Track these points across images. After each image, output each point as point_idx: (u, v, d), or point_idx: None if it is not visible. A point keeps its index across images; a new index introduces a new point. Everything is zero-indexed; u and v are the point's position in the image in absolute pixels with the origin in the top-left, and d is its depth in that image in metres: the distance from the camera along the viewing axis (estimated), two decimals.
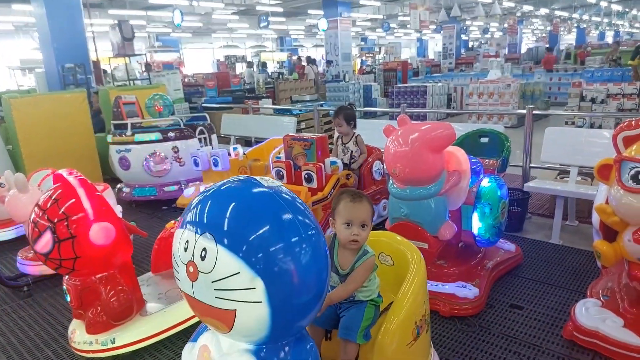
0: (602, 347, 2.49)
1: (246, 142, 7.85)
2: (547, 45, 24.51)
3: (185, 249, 1.34)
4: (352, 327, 1.91)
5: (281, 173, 4.11)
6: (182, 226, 1.39)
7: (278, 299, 1.28)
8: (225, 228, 1.29)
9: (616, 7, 29.02)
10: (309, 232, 1.35)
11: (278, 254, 1.28)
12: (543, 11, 27.65)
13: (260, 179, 1.42)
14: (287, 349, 1.43)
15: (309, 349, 1.49)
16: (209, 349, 1.47)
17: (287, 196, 1.40)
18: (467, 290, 2.98)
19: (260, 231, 1.28)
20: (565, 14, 29.09)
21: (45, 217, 2.37)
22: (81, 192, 2.44)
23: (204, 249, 1.29)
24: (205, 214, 1.34)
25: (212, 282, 1.28)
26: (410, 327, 1.99)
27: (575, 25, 32.57)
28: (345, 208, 1.92)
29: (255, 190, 1.37)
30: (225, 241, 1.27)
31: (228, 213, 1.31)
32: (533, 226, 4.53)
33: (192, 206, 1.39)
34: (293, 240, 1.31)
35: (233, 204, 1.32)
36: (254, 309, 1.28)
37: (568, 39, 35.67)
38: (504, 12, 25.27)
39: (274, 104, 11.28)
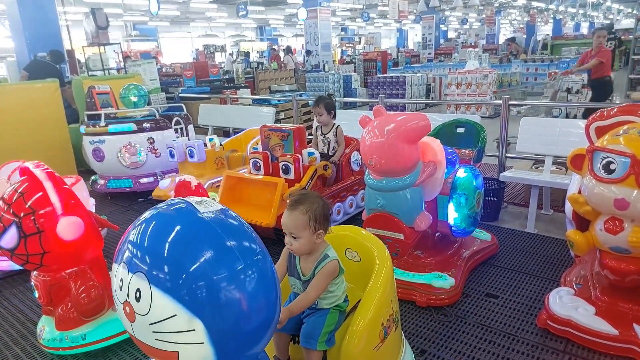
0: (575, 335, 2.52)
1: (224, 132, 7.76)
2: (513, 36, 24.65)
3: (121, 288, 1.25)
4: (313, 336, 1.87)
5: (258, 164, 4.07)
6: (117, 261, 1.30)
7: (221, 336, 1.22)
8: (158, 267, 1.20)
9: None
10: (255, 258, 1.28)
11: (217, 291, 1.20)
12: (520, 2, 27.88)
13: (199, 204, 1.33)
14: None
15: None
16: None
17: (228, 221, 1.31)
18: (443, 280, 2.99)
19: (196, 268, 1.19)
20: (542, 4, 29.39)
21: (11, 212, 2.30)
22: (48, 186, 2.37)
23: (138, 290, 1.20)
24: (138, 251, 1.24)
25: (150, 324, 1.20)
26: (376, 329, 1.94)
27: (552, 16, 32.95)
28: (283, 215, 1.86)
29: (190, 220, 1.27)
30: (159, 282, 1.18)
31: (160, 250, 1.21)
32: (509, 215, 4.57)
33: (126, 239, 1.30)
34: (233, 271, 1.22)
35: (166, 238, 1.23)
36: (196, 350, 1.21)
37: (545, 30, 36.08)
38: (482, 2, 25.41)
39: (253, 94, 11.17)
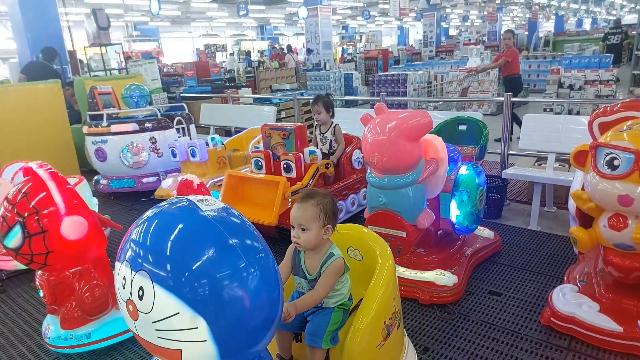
0: (579, 332, 2.52)
1: (226, 132, 7.76)
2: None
3: (124, 286, 1.26)
4: (318, 333, 1.87)
5: (260, 163, 4.07)
6: (120, 259, 1.30)
7: (224, 334, 1.22)
8: (161, 265, 1.20)
9: None
10: (257, 256, 1.28)
11: (220, 288, 1.20)
12: None
13: (201, 202, 1.33)
14: None
15: None
16: None
17: (230, 220, 1.31)
18: (446, 278, 2.99)
19: (198, 266, 1.20)
20: (543, 1, 29.31)
21: (15, 212, 2.31)
22: (51, 186, 2.37)
23: (141, 288, 1.21)
24: (140, 249, 1.25)
25: (153, 322, 1.21)
26: (379, 327, 1.94)
27: (554, 12, 32.87)
28: (292, 208, 1.87)
29: (193, 218, 1.27)
30: (161, 280, 1.19)
31: (163, 248, 1.22)
32: (511, 213, 4.57)
33: (129, 238, 1.30)
34: (236, 269, 1.23)
35: (168, 236, 1.23)
36: (199, 347, 1.22)
37: (547, 26, 36.00)
38: None
39: (254, 93, 11.16)
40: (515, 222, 4.33)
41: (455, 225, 3.19)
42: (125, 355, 2.69)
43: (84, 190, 4.01)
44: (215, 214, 1.30)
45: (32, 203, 2.32)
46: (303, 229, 1.83)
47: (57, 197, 2.36)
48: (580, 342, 2.53)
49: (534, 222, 4.15)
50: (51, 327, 2.63)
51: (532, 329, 2.70)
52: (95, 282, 2.54)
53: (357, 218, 4.35)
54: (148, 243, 1.25)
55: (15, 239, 2.29)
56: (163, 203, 1.38)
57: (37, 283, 2.56)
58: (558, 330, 2.62)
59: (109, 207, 5.38)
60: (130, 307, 1.24)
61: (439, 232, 3.35)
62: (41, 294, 2.58)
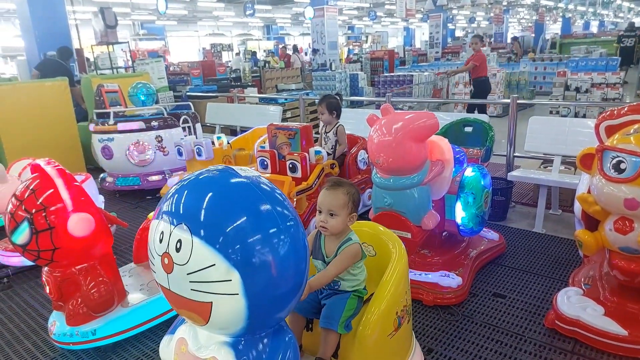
0: (583, 335, 2.51)
1: (231, 131, 7.78)
2: (516, 36, 24.46)
3: (161, 240, 1.31)
4: (334, 317, 1.90)
5: (265, 162, 4.08)
6: (158, 217, 1.36)
7: (254, 291, 1.26)
8: (201, 219, 1.27)
9: None
10: (288, 224, 1.33)
11: (255, 245, 1.25)
12: (529, 0, 27.71)
13: (239, 169, 1.40)
14: (265, 340, 1.41)
15: (288, 341, 1.48)
16: (186, 341, 1.46)
17: (265, 187, 1.37)
18: (450, 280, 2.99)
19: (237, 223, 1.26)
20: (550, 3, 29.21)
21: (23, 208, 2.32)
22: (59, 183, 2.39)
23: (179, 241, 1.27)
24: (181, 205, 1.31)
25: (188, 274, 1.26)
26: (391, 317, 1.98)
27: (561, 14, 32.75)
28: (321, 195, 1.95)
29: (233, 180, 1.35)
30: (201, 233, 1.25)
31: (204, 204, 1.28)
32: (517, 215, 4.56)
33: (168, 196, 1.36)
34: (270, 231, 1.29)
35: (209, 194, 1.30)
36: (230, 301, 1.26)
37: (554, 29, 35.86)
38: (490, 1, 25.29)
39: (260, 92, 11.18)
40: (520, 224, 4.32)
41: (460, 227, 3.19)
42: (130, 352, 2.70)
43: (91, 187, 4.04)
44: (254, 179, 1.38)
45: (40, 200, 2.34)
46: (332, 214, 1.91)
47: (65, 194, 2.38)
48: (584, 345, 2.52)
49: (539, 224, 4.14)
50: (57, 323, 2.64)
51: (536, 332, 2.70)
52: (101, 278, 2.56)
53: (361, 219, 4.33)
54: (190, 200, 1.32)
55: (22, 235, 2.31)
56: (203, 170, 1.43)
57: (43, 279, 2.58)
58: (562, 333, 2.61)
59: (115, 204, 5.41)
60: (166, 260, 1.30)
61: (444, 234, 3.35)
62: (47, 290, 2.60)
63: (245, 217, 1.27)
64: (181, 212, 1.30)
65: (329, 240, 1.99)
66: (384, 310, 1.93)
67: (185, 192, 1.34)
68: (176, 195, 1.34)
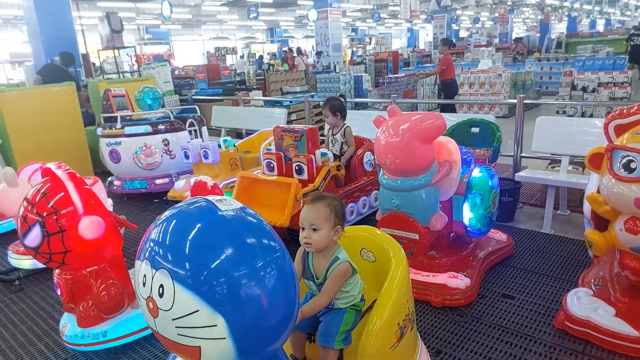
0: (594, 336, 2.50)
1: (237, 134, 7.81)
2: (519, 37, 24.35)
3: (144, 284, 1.28)
4: (330, 334, 1.88)
5: (272, 165, 4.09)
6: (140, 258, 1.32)
7: (242, 332, 1.24)
8: (180, 264, 1.23)
9: None
10: (274, 255, 1.30)
11: (238, 286, 1.22)
12: (534, 0, 27.63)
13: (219, 202, 1.35)
14: None
15: None
16: None
17: (248, 219, 1.33)
18: (459, 281, 2.99)
19: (217, 265, 1.22)
20: (556, 2, 29.10)
21: (34, 211, 2.35)
22: (70, 186, 2.41)
23: (161, 286, 1.23)
24: (160, 248, 1.27)
25: (173, 319, 1.23)
26: (393, 329, 1.94)
27: (566, 13, 32.62)
28: (302, 211, 1.89)
29: (212, 218, 1.29)
30: (181, 278, 1.21)
31: (182, 247, 1.24)
32: (524, 216, 4.54)
33: (149, 237, 1.32)
34: (254, 268, 1.24)
35: (187, 235, 1.25)
36: (218, 345, 1.23)
37: (559, 28, 35.73)
38: (495, 1, 25.23)
39: (264, 95, 11.21)
40: (528, 225, 4.31)
41: (468, 228, 3.19)
42: (140, 353, 2.72)
43: (99, 191, 4.06)
44: (234, 213, 1.32)
45: (51, 203, 2.36)
46: (314, 229, 1.84)
47: (75, 197, 2.40)
48: (595, 346, 2.51)
49: (547, 225, 4.13)
50: (68, 325, 2.66)
51: (546, 333, 2.69)
52: (111, 281, 2.58)
53: (368, 220, 4.35)
54: (168, 242, 1.27)
55: (34, 238, 2.33)
56: (181, 203, 1.39)
57: (55, 281, 2.60)
58: (572, 334, 2.60)
59: (123, 207, 5.44)
60: (151, 305, 1.26)
61: (452, 235, 3.35)
62: (58, 293, 2.62)
63: (226, 258, 1.23)
64: (160, 255, 1.26)
65: (317, 258, 1.93)
66: (385, 322, 1.89)
67: (164, 233, 1.29)
68: (155, 236, 1.30)
